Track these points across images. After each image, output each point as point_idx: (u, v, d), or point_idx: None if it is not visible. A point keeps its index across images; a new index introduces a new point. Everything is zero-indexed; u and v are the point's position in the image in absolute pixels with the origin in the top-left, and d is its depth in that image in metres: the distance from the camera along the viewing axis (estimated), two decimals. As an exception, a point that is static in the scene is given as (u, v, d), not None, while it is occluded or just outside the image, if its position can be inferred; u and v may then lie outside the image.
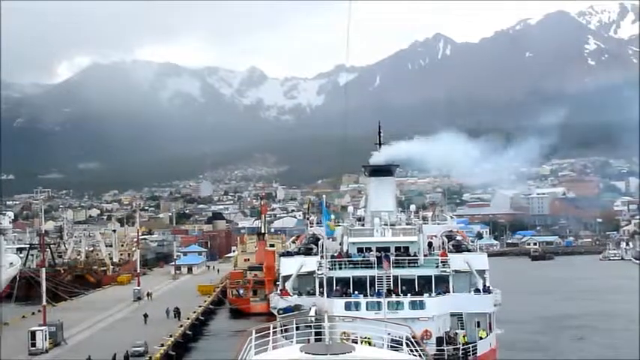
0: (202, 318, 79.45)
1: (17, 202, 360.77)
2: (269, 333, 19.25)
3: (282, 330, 21.42)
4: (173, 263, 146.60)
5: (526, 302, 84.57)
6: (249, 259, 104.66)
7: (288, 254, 51.35)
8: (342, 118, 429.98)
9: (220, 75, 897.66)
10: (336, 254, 47.26)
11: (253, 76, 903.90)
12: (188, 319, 73.21)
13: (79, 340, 62.64)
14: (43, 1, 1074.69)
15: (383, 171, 55.05)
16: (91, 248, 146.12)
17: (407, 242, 47.01)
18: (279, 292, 46.00)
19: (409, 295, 42.95)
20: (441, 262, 44.96)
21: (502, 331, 46.95)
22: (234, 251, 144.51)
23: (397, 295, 42.97)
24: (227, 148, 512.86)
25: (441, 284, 44.22)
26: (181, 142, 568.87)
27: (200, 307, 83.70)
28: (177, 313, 74.63)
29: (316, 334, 21.94)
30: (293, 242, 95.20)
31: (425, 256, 46.24)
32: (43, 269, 69.03)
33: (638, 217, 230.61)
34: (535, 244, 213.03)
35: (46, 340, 56.76)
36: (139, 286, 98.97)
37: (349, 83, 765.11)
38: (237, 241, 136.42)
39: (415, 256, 45.93)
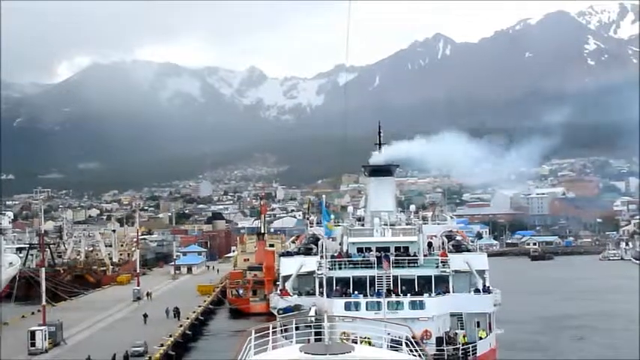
0: (202, 318, 79.43)
1: (17, 202, 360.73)
2: (269, 333, 19.22)
3: (281, 330, 21.38)
4: (173, 263, 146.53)
5: (526, 302, 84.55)
6: (248, 259, 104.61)
7: (288, 254, 51.34)
8: (342, 118, 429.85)
9: (220, 75, 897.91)
10: (335, 254, 47.24)
11: (253, 76, 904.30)
12: (188, 319, 73.19)
13: (79, 340, 62.60)
14: (43, 1, 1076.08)
15: (383, 171, 55.04)
16: (91, 248, 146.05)
17: (407, 242, 46.99)
18: (278, 292, 46.01)
19: (409, 295, 42.92)
20: (441, 262, 44.94)
21: (502, 331, 46.94)
22: (233, 251, 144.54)
23: (397, 295, 42.94)
24: (227, 148, 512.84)
25: (440, 284, 44.19)
26: (181, 142, 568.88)
27: (200, 307, 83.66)
28: (177, 313, 74.61)
29: (316, 334, 21.91)
30: (293, 242, 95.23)
31: (425, 256, 46.21)
32: (43, 269, 68.94)
33: (637, 217, 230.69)
34: (535, 244, 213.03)
35: (45, 340, 56.72)
36: (138, 286, 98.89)
37: (349, 83, 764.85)
38: (236, 241, 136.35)
39: (415, 256, 45.91)
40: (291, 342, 19.11)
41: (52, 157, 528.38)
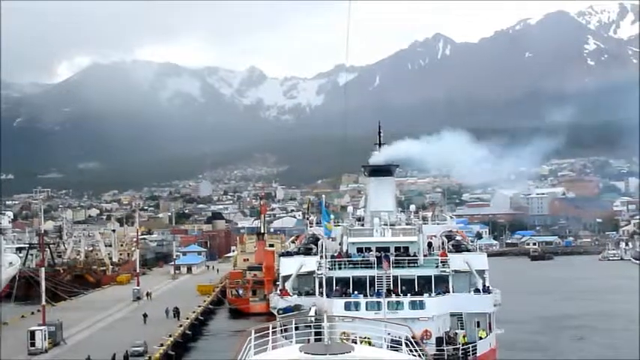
0: (202, 318, 79.39)
1: (17, 202, 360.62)
2: (268, 333, 19.19)
3: (281, 330, 21.35)
4: (172, 263, 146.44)
5: (526, 302, 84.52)
6: (248, 259, 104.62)
7: (288, 254, 51.32)
8: (342, 118, 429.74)
9: (220, 75, 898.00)
10: (335, 254, 47.21)
11: (253, 76, 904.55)
12: (187, 318, 73.17)
13: (79, 340, 62.57)
14: (43, 1, 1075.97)
15: (383, 171, 54.98)
16: (91, 248, 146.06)
17: (407, 242, 46.97)
18: (278, 292, 45.99)
19: (409, 295, 42.89)
20: (441, 262, 44.91)
21: (502, 331, 46.91)
22: (233, 251, 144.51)
23: (397, 295, 42.90)
24: (227, 148, 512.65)
25: (440, 284, 44.16)
26: (181, 142, 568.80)
27: (199, 307, 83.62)
28: (177, 312, 74.58)
29: (316, 334, 21.86)
30: (292, 242, 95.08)
31: (425, 256, 46.19)
32: (43, 269, 68.91)
33: (637, 217, 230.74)
34: (534, 244, 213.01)
35: (45, 339, 56.66)
36: (138, 285, 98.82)
37: (349, 83, 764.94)
38: (236, 241, 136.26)
39: (415, 256, 45.89)
40: (291, 342, 19.08)
41: (51, 157, 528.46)
